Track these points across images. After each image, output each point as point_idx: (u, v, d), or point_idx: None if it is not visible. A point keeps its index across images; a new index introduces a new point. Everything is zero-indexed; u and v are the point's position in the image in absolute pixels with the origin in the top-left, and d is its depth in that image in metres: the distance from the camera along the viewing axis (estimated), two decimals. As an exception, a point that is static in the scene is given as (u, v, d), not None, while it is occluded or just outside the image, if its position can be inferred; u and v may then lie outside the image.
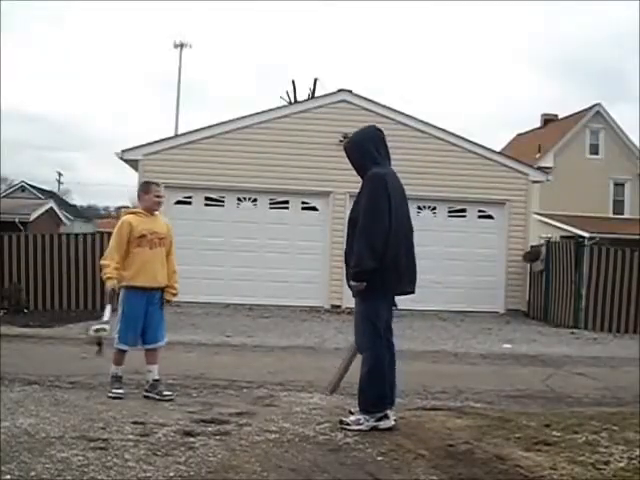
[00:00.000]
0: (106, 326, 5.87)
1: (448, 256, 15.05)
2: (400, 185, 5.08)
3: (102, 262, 5.94)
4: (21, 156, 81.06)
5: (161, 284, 5.95)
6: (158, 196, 6.11)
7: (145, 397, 5.79)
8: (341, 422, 4.92)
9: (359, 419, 4.86)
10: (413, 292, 5.05)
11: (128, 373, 6.86)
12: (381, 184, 4.84)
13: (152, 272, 5.86)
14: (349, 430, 4.79)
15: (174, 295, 6.12)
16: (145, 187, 6.13)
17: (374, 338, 4.88)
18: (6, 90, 76.77)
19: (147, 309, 5.89)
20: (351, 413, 5.00)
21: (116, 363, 5.96)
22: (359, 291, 4.84)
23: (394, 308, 5.13)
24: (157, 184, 6.26)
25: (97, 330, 5.89)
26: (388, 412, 4.88)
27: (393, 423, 4.87)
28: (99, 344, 5.94)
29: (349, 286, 4.94)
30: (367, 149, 5.04)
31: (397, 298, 5.13)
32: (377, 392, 4.85)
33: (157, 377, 5.91)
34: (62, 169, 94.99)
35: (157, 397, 5.76)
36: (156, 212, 6.14)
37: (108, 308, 5.90)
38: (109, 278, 5.77)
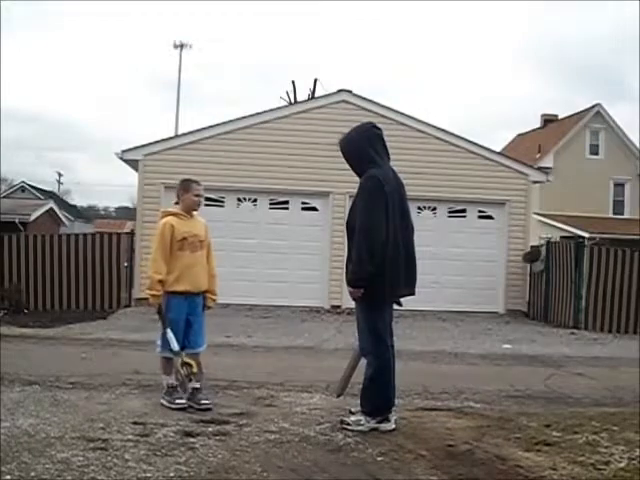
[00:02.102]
0: (187, 359, 5.51)
1: (448, 256, 15.04)
2: (399, 183, 4.97)
3: (151, 273, 5.54)
4: (21, 156, 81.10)
5: (202, 288, 5.71)
6: (198, 195, 5.76)
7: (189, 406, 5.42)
8: (342, 422, 4.92)
9: (360, 420, 4.86)
10: (413, 294, 4.99)
11: (127, 373, 6.88)
12: (377, 186, 4.72)
13: (194, 277, 5.60)
14: (349, 430, 4.79)
15: (214, 301, 5.90)
16: (185, 185, 5.76)
17: (377, 342, 4.85)
18: (6, 90, 76.80)
19: (189, 314, 5.64)
20: (352, 413, 5.01)
21: (166, 372, 5.59)
22: (357, 297, 4.80)
23: (399, 307, 5.09)
24: (197, 182, 5.83)
25: (183, 365, 5.49)
26: (389, 415, 4.87)
27: (394, 426, 4.85)
28: (189, 380, 5.54)
29: (351, 291, 4.88)
30: (363, 147, 4.89)
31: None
32: (380, 396, 4.83)
33: (197, 385, 5.55)
34: (62, 169, 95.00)
35: (195, 407, 5.39)
36: (195, 212, 5.82)
37: (170, 334, 5.51)
38: (155, 296, 5.50)
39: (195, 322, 5.70)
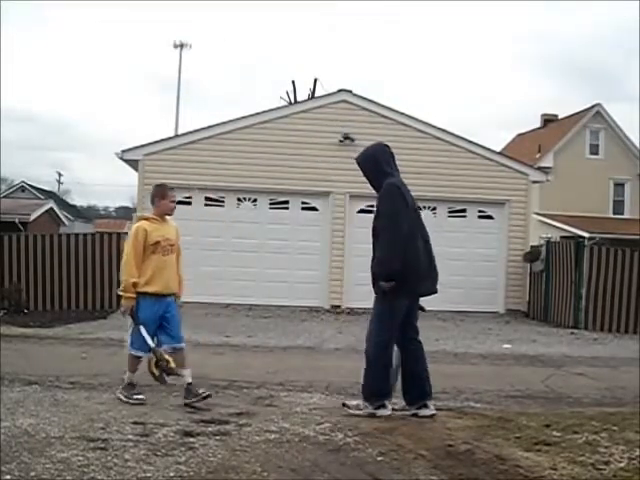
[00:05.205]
0: (163, 354, 5.67)
1: (448, 256, 14.93)
2: (411, 194, 5.46)
3: (124, 276, 5.76)
4: (20, 156, 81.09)
5: (173, 290, 5.89)
6: (173, 201, 5.99)
7: (186, 405, 5.58)
8: (344, 405, 5.40)
9: (359, 404, 5.30)
10: (435, 292, 5.44)
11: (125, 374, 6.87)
12: (398, 193, 5.27)
13: (165, 279, 5.79)
14: (348, 412, 5.27)
15: (178, 301, 6.06)
16: (161, 191, 5.98)
17: (382, 334, 5.26)
18: (5, 90, 76.81)
19: (162, 314, 5.77)
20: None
21: (131, 370, 5.80)
22: (384, 291, 5.16)
23: (421, 310, 5.53)
24: (172, 188, 6.11)
25: (161, 360, 5.66)
26: (386, 402, 5.25)
27: (390, 413, 5.24)
28: (169, 374, 5.72)
29: (376, 287, 5.24)
30: (380, 163, 5.44)
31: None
32: (376, 383, 5.24)
33: (190, 380, 5.70)
34: (62, 169, 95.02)
35: (194, 400, 5.56)
36: (168, 217, 6.00)
37: (144, 331, 5.66)
38: (128, 298, 5.70)
39: (172, 318, 5.86)
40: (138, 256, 5.71)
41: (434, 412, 5.35)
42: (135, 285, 5.67)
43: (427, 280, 5.37)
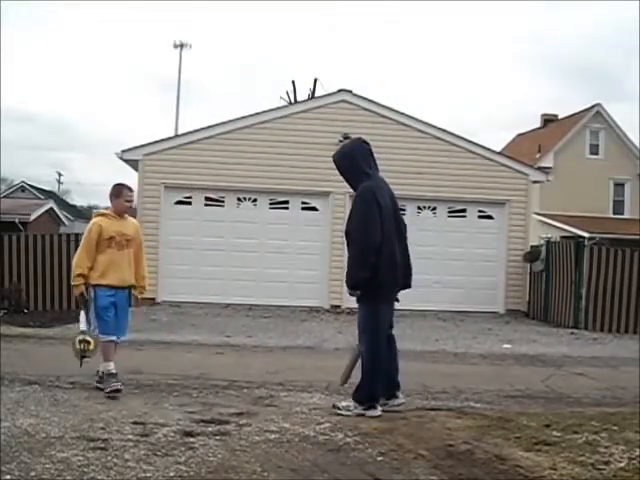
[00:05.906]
0: (88, 337, 6.07)
1: (448, 256, 15.03)
2: (389, 190, 5.40)
3: (73, 267, 6.11)
4: (20, 156, 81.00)
5: (127, 283, 6.16)
6: (128, 200, 6.30)
7: (96, 387, 6.01)
8: (334, 406, 5.41)
9: (349, 405, 5.32)
10: (409, 286, 5.48)
11: (130, 373, 6.88)
12: (371, 198, 5.16)
13: (119, 272, 6.07)
14: (338, 414, 5.26)
15: (142, 293, 6.40)
16: (117, 191, 6.25)
17: (373, 340, 5.30)
18: (5, 90, 76.77)
19: (115, 306, 6.10)
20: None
21: (107, 358, 6.05)
22: (358, 297, 5.28)
23: (396, 302, 5.50)
24: (130, 188, 6.42)
25: (81, 342, 6.10)
26: (376, 404, 5.28)
27: (379, 413, 5.25)
28: (83, 357, 6.15)
29: (349, 293, 5.38)
30: (356, 162, 5.32)
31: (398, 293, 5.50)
32: (369, 388, 5.27)
33: (113, 371, 6.00)
34: (62, 169, 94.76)
35: (107, 390, 5.84)
36: (125, 214, 6.30)
37: (82, 316, 6.12)
38: (76, 286, 6.08)
39: (121, 311, 6.17)
40: (90, 250, 6.02)
41: (403, 401, 5.45)
42: (82, 276, 6.00)
43: (401, 279, 5.38)
